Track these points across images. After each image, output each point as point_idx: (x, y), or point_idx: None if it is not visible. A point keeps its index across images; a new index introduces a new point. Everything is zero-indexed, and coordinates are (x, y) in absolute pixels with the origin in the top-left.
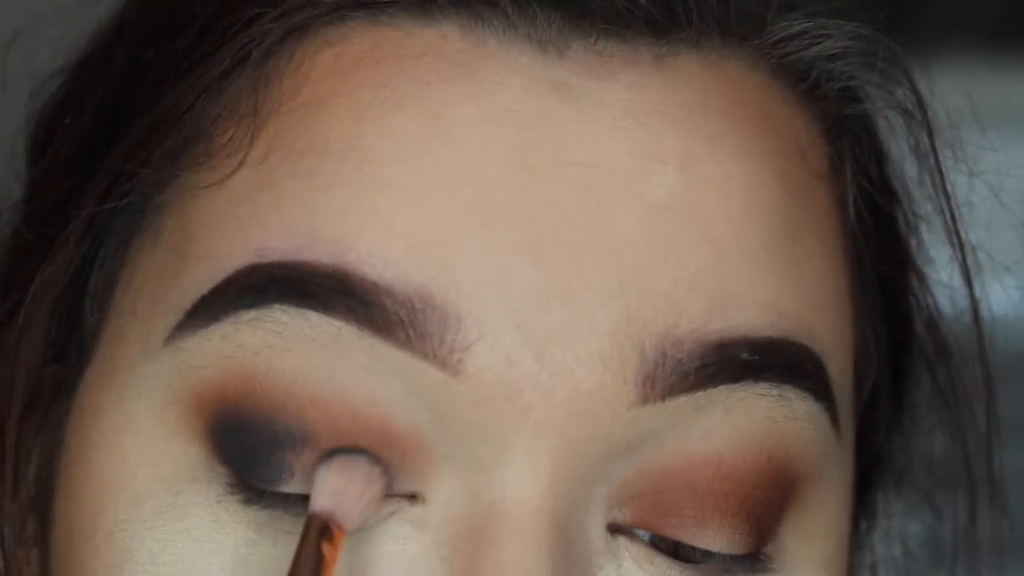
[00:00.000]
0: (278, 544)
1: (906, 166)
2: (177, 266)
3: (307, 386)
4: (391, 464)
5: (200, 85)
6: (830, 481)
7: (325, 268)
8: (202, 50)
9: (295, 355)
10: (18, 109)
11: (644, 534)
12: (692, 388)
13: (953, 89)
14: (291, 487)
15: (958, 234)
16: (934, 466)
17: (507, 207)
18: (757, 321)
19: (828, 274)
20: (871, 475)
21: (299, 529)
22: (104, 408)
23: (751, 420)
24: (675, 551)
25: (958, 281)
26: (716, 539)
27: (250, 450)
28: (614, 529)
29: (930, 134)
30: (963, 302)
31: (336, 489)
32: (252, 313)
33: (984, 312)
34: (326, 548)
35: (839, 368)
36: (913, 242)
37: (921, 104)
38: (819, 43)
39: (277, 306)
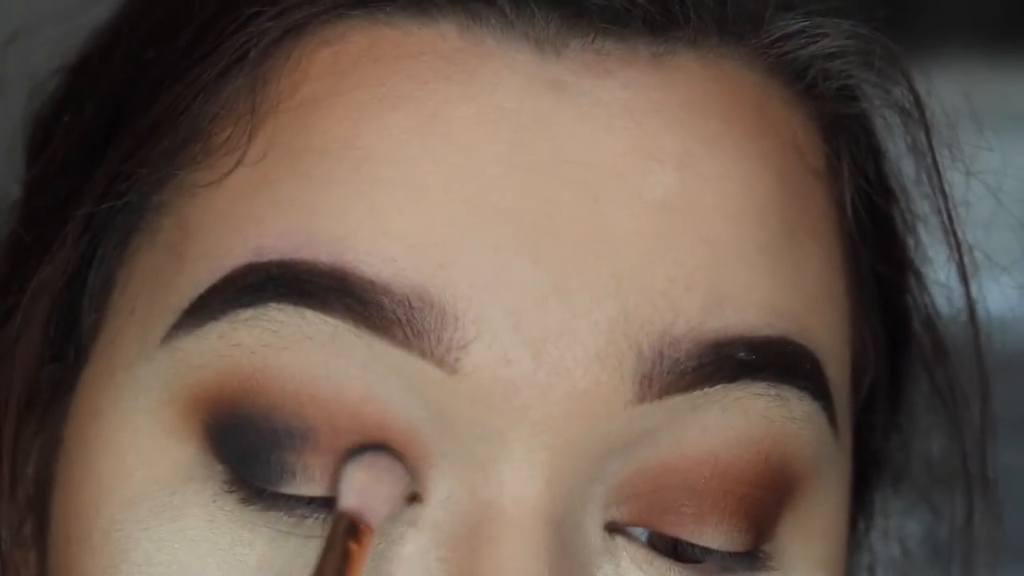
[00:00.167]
0: (274, 544)
1: (904, 165)
2: (174, 266)
3: (305, 383)
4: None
5: (198, 84)
6: (828, 481)
7: (323, 267)
8: (200, 50)
9: (292, 353)
10: (16, 109)
11: (642, 533)
12: (689, 387)
13: (952, 89)
14: (291, 487)
15: (955, 234)
16: (932, 466)
17: (505, 206)
18: (754, 320)
19: (825, 273)
20: (869, 475)
21: (295, 529)
22: (101, 408)
23: (748, 419)
24: (673, 551)
25: (955, 281)
26: (714, 536)
27: (249, 449)
28: (612, 528)
29: (927, 133)
30: (960, 302)
31: (364, 487)
32: (249, 312)
33: (981, 312)
34: (353, 546)
35: (836, 368)
36: (911, 241)
37: (919, 103)
38: (817, 42)
39: (274, 305)
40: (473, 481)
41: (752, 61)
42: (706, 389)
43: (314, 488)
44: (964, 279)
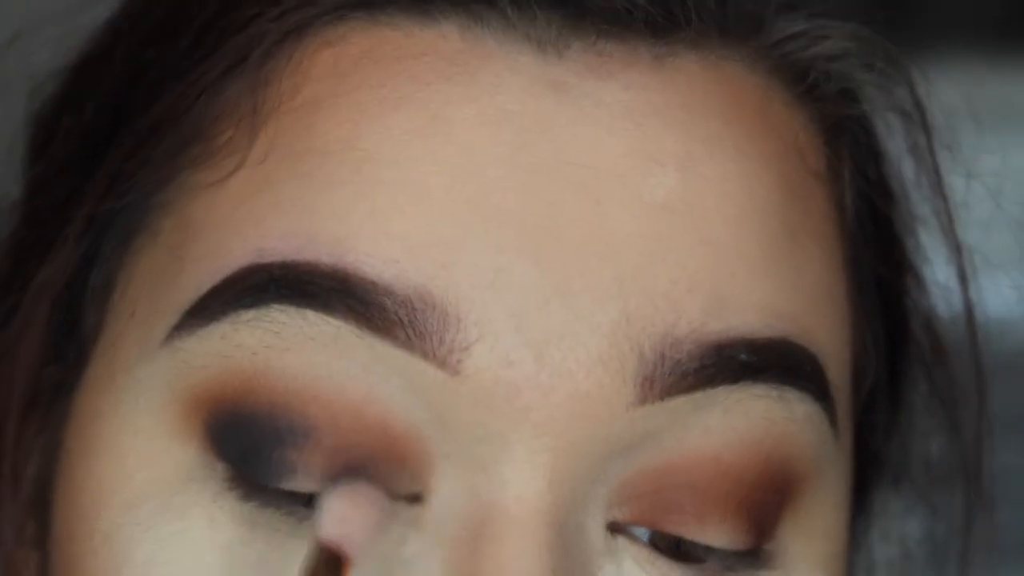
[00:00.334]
0: (272, 544)
1: (904, 166)
2: (176, 266)
3: (307, 384)
4: (390, 464)
5: (199, 85)
6: (828, 481)
7: (325, 268)
8: (201, 50)
9: (294, 354)
10: (17, 109)
11: (644, 533)
12: (691, 389)
13: (952, 89)
14: (292, 484)
15: (955, 235)
16: (931, 466)
17: (506, 208)
18: (755, 322)
19: (826, 275)
20: (869, 475)
21: (295, 531)
22: (103, 409)
23: (749, 421)
24: (675, 551)
25: (954, 281)
26: (717, 535)
27: (251, 446)
28: (614, 528)
29: (928, 136)
30: (959, 302)
31: (342, 517)
32: (251, 313)
33: (979, 313)
34: None
35: (837, 369)
36: (911, 243)
37: (919, 106)
38: (818, 44)
39: (276, 306)
40: (475, 482)
41: (753, 63)
42: (708, 390)
43: (315, 485)
44: (963, 281)
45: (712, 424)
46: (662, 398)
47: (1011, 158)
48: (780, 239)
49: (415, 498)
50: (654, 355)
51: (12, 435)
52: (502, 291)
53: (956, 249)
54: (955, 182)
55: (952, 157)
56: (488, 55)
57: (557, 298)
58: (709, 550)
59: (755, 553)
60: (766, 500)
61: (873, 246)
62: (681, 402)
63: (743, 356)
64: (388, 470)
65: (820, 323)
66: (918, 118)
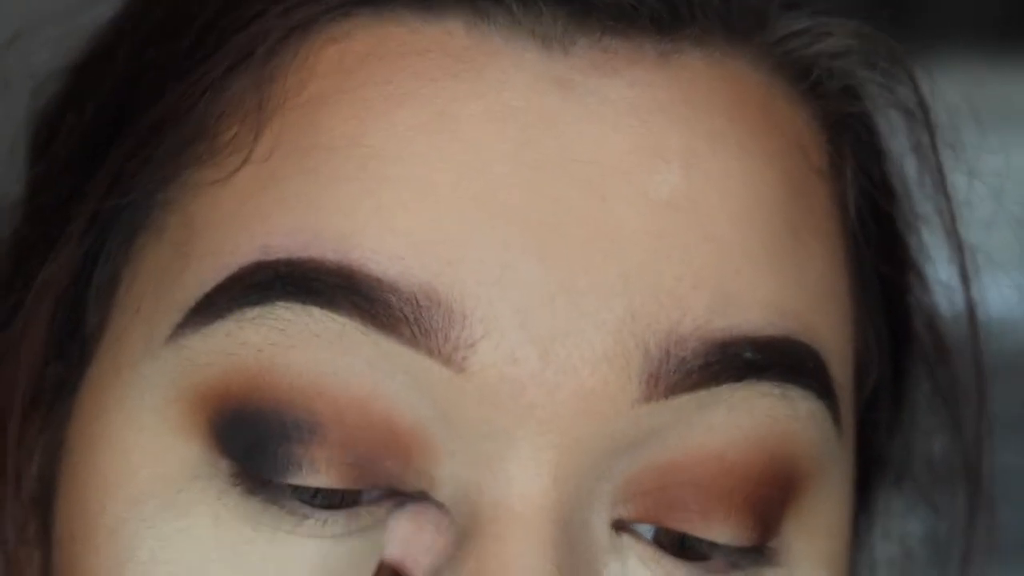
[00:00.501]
0: (274, 543)
1: (906, 163)
2: (180, 264)
3: (313, 380)
4: (396, 461)
5: (204, 82)
6: (832, 479)
7: (330, 265)
8: (205, 47)
9: (299, 351)
10: (19, 108)
11: (648, 531)
12: (695, 386)
13: (953, 89)
14: (297, 479)
15: (957, 234)
16: (933, 465)
17: (512, 204)
18: (759, 320)
19: (828, 272)
20: (872, 473)
21: (296, 529)
22: (106, 407)
23: (753, 418)
24: (680, 549)
25: (956, 279)
26: (721, 531)
27: (256, 442)
28: (618, 526)
29: (931, 134)
30: (960, 301)
31: (407, 538)
32: (256, 310)
33: (981, 312)
34: None
35: (840, 366)
36: (913, 241)
37: (922, 103)
38: (821, 41)
39: (281, 303)
40: (480, 479)
41: (757, 60)
42: (712, 388)
43: (319, 480)
44: (965, 280)
45: (716, 422)
46: (667, 396)
47: (1012, 158)
48: (783, 236)
49: (420, 495)
50: (659, 352)
51: (14, 433)
52: (507, 288)
53: (958, 248)
54: (957, 181)
55: (954, 156)
56: (494, 52)
57: (562, 295)
58: (713, 547)
59: (759, 550)
60: (770, 497)
61: (875, 244)
62: (685, 400)
63: (747, 354)
64: (393, 466)
65: (823, 320)
66: (921, 116)
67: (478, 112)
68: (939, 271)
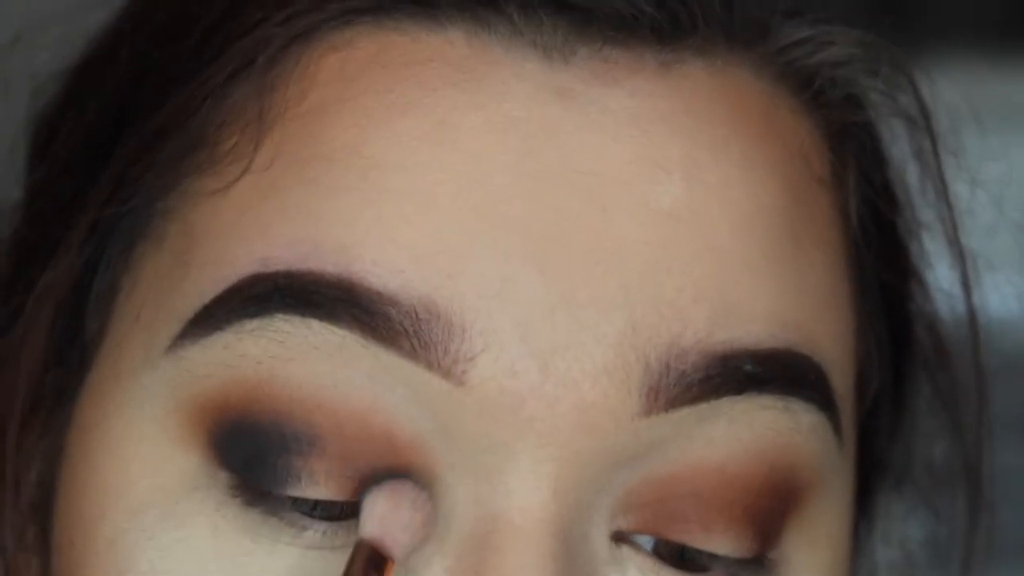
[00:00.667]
0: (274, 554)
1: (908, 171)
2: (180, 273)
3: (312, 392)
4: (397, 475)
5: (204, 90)
6: (832, 489)
7: (330, 277)
8: (206, 54)
9: (298, 364)
10: (19, 111)
11: (648, 542)
12: (696, 400)
13: (953, 89)
14: (296, 490)
15: (959, 242)
16: (934, 469)
17: (512, 216)
18: (760, 332)
19: (830, 282)
20: (872, 479)
21: (296, 540)
22: (106, 415)
23: (754, 431)
24: (679, 560)
25: (957, 283)
26: (721, 542)
27: (256, 454)
28: (618, 538)
29: (933, 141)
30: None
31: (385, 516)
32: (255, 322)
33: (981, 315)
34: None
35: (841, 377)
36: (915, 248)
37: (924, 111)
38: (823, 50)
39: (280, 315)
40: (480, 492)
41: (759, 69)
42: (712, 401)
43: (318, 492)
44: (966, 286)
45: (717, 435)
46: (667, 409)
47: (1012, 158)
48: (785, 245)
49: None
50: (659, 365)
51: (14, 439)
52: (507, 301)
53: (960, 256)
54: (958, 183)
55: (956, 159)
56: (494, 61)
57: (563, 308)
58: (713, 558)
59: (759, 561)
60: (770, 508)
61: (877, 251)
62: (686, 413)
63: (748, 367)
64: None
65: (824, 331)
66: (923, 124)
67: (479, 122)
68: (939, 274)
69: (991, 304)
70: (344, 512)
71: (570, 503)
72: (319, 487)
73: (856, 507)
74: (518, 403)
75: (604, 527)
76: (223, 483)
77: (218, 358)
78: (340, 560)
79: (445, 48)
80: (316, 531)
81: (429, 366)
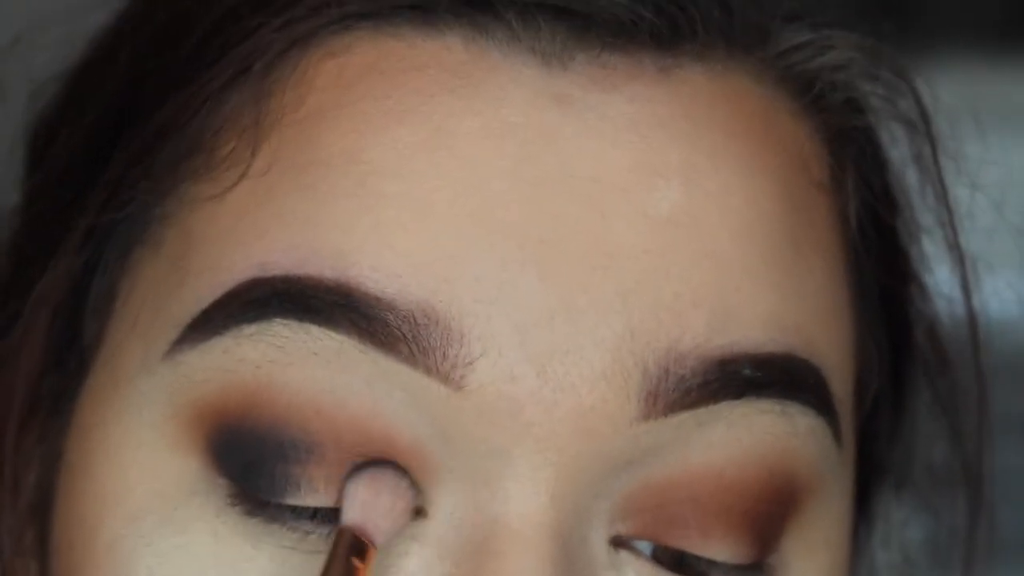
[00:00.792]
0: (277, 559)
1: (907, 174)
2: (177, 278)
3: (310, 398)
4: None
5: (202, 95)
6: (831, 494)
7: (328, 282)
8: (205, 59)
9: (297, 369)
10: (18, 114)
11: (647, 547)
12: (694, 404)
13: (953, 89)
14: (295, 499)
15: (959, 247)
16: (933, 471)
17: (510, 221)
18: (759, 336)
19: (829, 287)
20: (871, 483)
21: (299, 545)
22: (104, 421)
23: (752, 435)
24: (678, 565)
25: (956, 284)
26: (719, 549)
27: (254, 462)
28: (616, 543)
29: (933, 146)
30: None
31: (366, 502)
32: (253, 327)
33: (980, 314)
34: (356, 563)
35: (841, 381)
36: (914, 252)
37: (924, 115)
38: (823, 54)
39: (279, 320)
40: (478, 497)
41: (759, 74)
42: (711, 406)
43: (318, 499)
44: (966, 289)
45: (715, 439)
46: (665, 414)
47: (1012, 158)
48: (784, 251)
49: (419, 512)
50: (658, 370)
51: (12, 442)
52: (506, 306)
53: (960, 259)
54: (958, 183)
55: (955, 160)
56: (492, 67)
57: (561, 313)
58: (712, 564)
59: (758, 567)
60: (769, 513)
61: (877, 256)
62: (685, 418)
63: (747, 371)
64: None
65: (824, 335)
66: (923, 128)
67: (476, 128)
68: (938, 274)
69: (991, 306)
70: None
71: (568, 508)
72: (319, 494)
73: (855, 511)
74: (516, 408)
75: (603, 532)
76: (222, 490)
77: (216, 363)
78: None
79: (443, 54)
80: (320, 535)
81: (427, 371)
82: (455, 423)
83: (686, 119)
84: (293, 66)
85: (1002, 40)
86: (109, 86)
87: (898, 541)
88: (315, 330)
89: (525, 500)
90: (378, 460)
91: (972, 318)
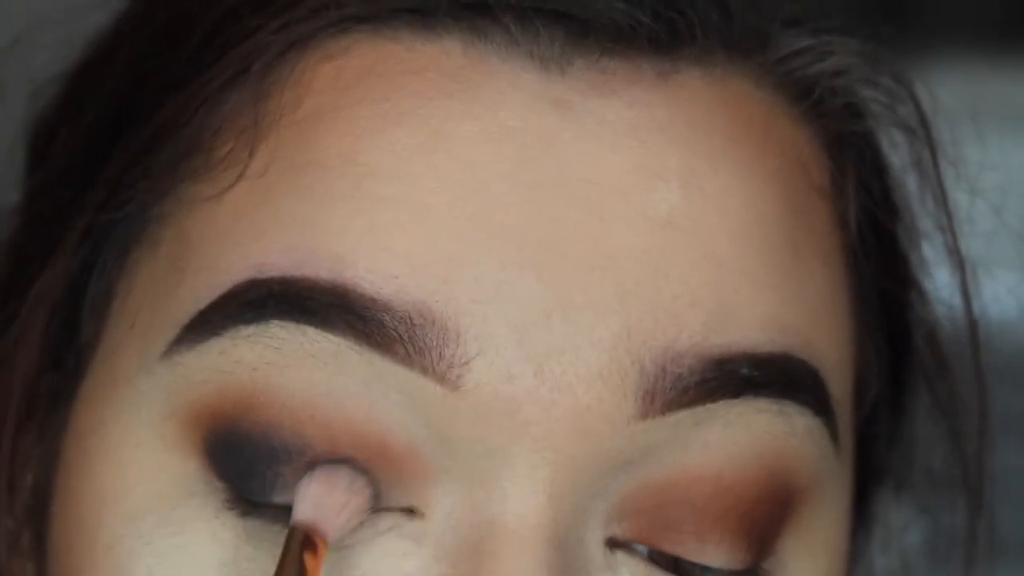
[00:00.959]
0: (276, 559)
1: (907, 178)
2: (175, 278)
3: (305, 402)
4: (386, 477)
5: (200, 96)
6: (829, 496)
7: (324, 284)
8: (203, 60)
9: (293, 371)
10: (18, 114)
11: (643, 549)
12: (692, 403)
13: (953, 90)
14: (286, 497)
15: (958, 251)
16: (933, 475)
17: (509, 224)
18: (757, 336)
19: (828, 290)
20: (870, 486)
21: None
22: (103, 420)
23: (750, 435)
24: (674, 567)
25: (955, 284)
26: (715, 554)
27: (247, 465)
28: (613, 544)
29: (933, 151)
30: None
31: (317, 499)
32: (251, 329)
33: (979, 314)
34: (308, 559)
35: (839, 383)
36: (914, 257)
37: (924, 121)
38: (823, 60)
39: (276, 322)
40: (475, 497)
41: (759, 78)
42: (709, 405)
43: None
44: (966, 294)
45: (713, 438)
46: (663, 413)
47: (1012, 160)
48: (783, 254)
49: (416, 513)
50: (655, 369)
51: (9, 443)
52: (502, 306)
53: (959, 264)
54: (956, 182)
55: (955, 162)
56: (490, 71)
57: (558, 312)
58: (707, 569)
59: (754, 571)
60: (768, 515)
61: (876, 260)
62: (682, 416)
63: (744, 370)
64: (388, 485)
65: (822, 337)
66: (922, 133)
67: (474, 132)
68: (939, 278)
69: (990, 306)
70: None
71: (565, 508)
72: None
73: (854, 514)
74: (513, 408)
75: (599, 532)
76: (220, 492)
77: (214, 364)
78: (341, 560)
79: (441, 58)
80: None
81: (424, 371)
82: (452, 423)
83: (685, 123)
84: (291, 68)
85: (1002, 40)
86: (108, 86)
87: (897, 546)
88: (312, 332)
89: (522, 500)
90: (334, 460)
91: (972, 322)
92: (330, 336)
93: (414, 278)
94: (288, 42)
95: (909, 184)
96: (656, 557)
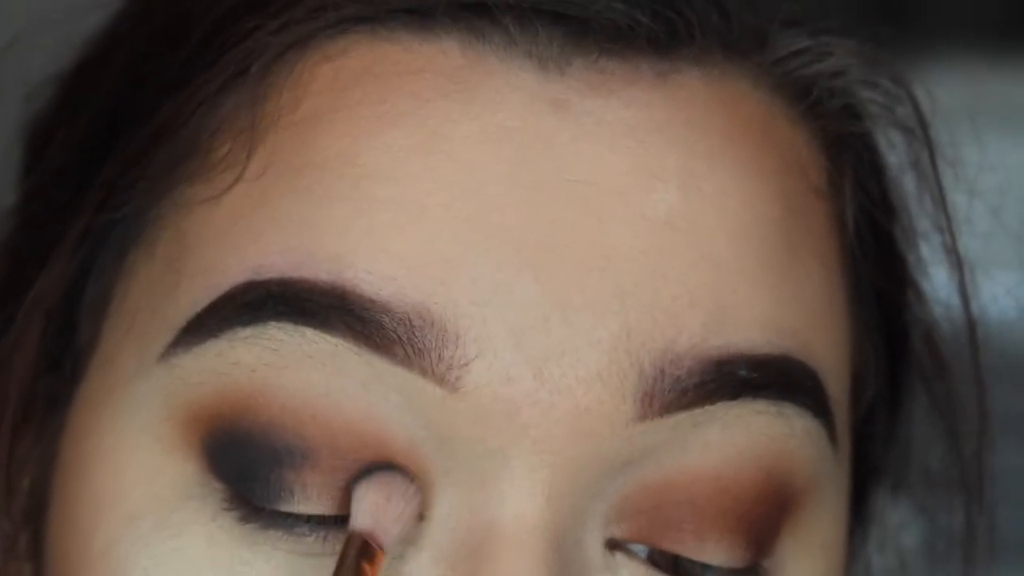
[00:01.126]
0: (273, 563)
1: (906, 179)
2: (172, 280)
3: (305, 402)
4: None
5: (198, 97)
6: (827, 496)
7: (323, 285)
8: (201, 62)
9: (292, 372)
10: (14, 115)
11: (642, 550)
12: (690, 405)
13: (953, 89)
14: (290, 506)
15: (956, 251)
16: (930, 475)
17: (507, 224)
18: (755, 338)
19: (826, 290)
20: (868, 486)
21: (295, 550)
22: (100, 423)
23: (749, 436)
24: (674, 568)
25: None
26: (715, 553)
27: (248, 467)
28: (612, 545)
29: (931, 152)
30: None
31: (376, 507)
32: (248, 330)
33: (979, 314)
34: (366, 567)
35: (837, 384)
36: (912, 257)
37: (922, 122)
38: (821, 61)
39: (273, 323)
40: (474, 499)
41: (757, 79)
42: (707, 407)
43: (313, 507)
44: (964, 294)
45: (711, 440)
46: (662, 414)
47: (1011, 159)
48: (781, 255)
49: (386, 464)
50: (654, 371)
51: (6, 446)
52: (502, 308)
53: (958, 265)
54: (954, 183)
55: (954, 162)
56: (489, 72)
57: (557, 314)
58: (707, 568)
59: (753, 570)
60: (766, 515)
61: (874, 261)
62: (681, 418)
63: (743, 372)
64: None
65: (820, 338)
66: (920, 134)
67: (472, 133)
68: (938, 278)
69: (989, 307)
70: (339, 521)
71: (564, 510)
72: (313, 501)
73: (851, 514)
74: (512, 409)
75: (598, 534)
76: (218, 494)
77: (211, 366)
78: None
79: (439, 58)
80: (316, 537)
81: (423, 373)
82: (451, 425)
83: (683, 124)
84: (289, 69)
85: (1002, 40)
86: (106, 87)
87: (894, 545)
88: (310, 333)
89: (521, 502)
90: (385, 464)
91: (970, 322)
92: (328, 337)
93: (412, 279)
94: (286, 43)
95: (907, 185)
96: (655, 558)
